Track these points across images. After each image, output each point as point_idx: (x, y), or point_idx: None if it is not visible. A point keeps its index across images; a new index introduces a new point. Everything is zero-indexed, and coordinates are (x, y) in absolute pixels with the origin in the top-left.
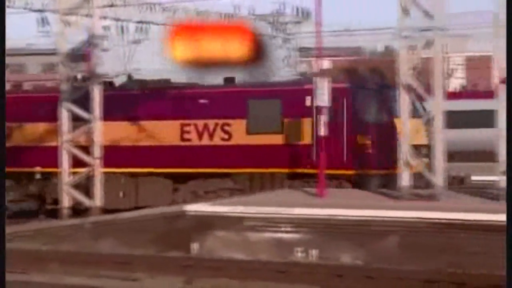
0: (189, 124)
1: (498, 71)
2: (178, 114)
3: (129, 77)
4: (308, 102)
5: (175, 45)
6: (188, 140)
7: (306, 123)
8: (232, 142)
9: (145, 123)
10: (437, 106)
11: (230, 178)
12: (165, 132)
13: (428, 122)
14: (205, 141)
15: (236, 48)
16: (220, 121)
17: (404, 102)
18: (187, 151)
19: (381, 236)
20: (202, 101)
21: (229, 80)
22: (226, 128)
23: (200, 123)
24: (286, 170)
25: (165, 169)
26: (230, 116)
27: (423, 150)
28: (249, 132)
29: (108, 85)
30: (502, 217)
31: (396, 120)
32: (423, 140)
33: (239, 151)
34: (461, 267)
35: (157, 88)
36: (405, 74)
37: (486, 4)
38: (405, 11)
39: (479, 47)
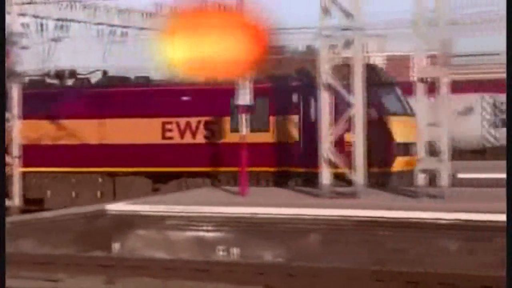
0: (171, 122)
1: (417, 70)
2: (160, 112)
3: (104, 73)
4: (295, 99)
5: (174, 42)
6: (170, 138)
7: (292, 120)
8: (215, 140)
9: (123, 121)
10: (359, 104)
11: (214, 177)
12: (146, 130)
13: (350, 120)
14: (188, 139)
15: (246, 48)
16: (203, 119)
17: (324, 101)
18: (169, 150)
19: (302, 234)
20: (185, 98)
21: None
22: (210, 126)
23: (183, 121)
24: (271, 169)
25: (145, 168)
26: (213, 113)
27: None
28: (233, 130)
29: (85, 82)
30: (420, 215)
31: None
32: (410, 138)
33: (223, 149)
34: (382, 264)
35: (136, 85)
36: (325, 73)
37: (405, 4)
38: (326, 11)
39: (398, 47)
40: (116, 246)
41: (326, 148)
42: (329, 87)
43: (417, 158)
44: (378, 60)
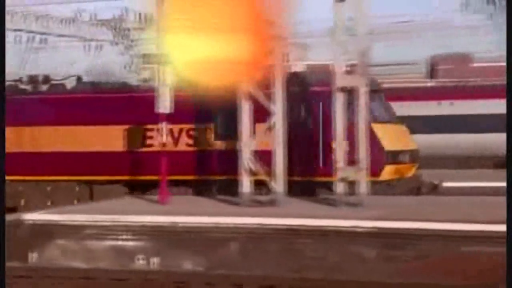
0: (152, 129)
1: (336, 79)
2: (140, 119)
3: (79, 79)
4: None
5: (179, 42)
6: (151, 146)
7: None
8: (198, 148)
9: (103, 128)
10: (279, 113)
11: (196, 186)
12: (126, 137)
13: (270, 128)
14: (169, 147)
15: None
16: (186, 126)
17: (245, 109)
18: (150, 158)
19: (222, 242)
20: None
21: None
22: (192, 133)
23: (166, 128)
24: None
25: (123, 176)
26: (195, 121)
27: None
28: (216, 137)
29: (60, 88)
30: (338, 223)
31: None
32: (407, 146)
33: (205, 157)
34: (301, 271)
35: (115, 91)
36: (246, 82)
37: (325, 13)
38: None
39: (319, 55)
40: (33, 256)
41: (246, 156)
42: (250, 96)
43: (407, 166)
44: (298, 68)
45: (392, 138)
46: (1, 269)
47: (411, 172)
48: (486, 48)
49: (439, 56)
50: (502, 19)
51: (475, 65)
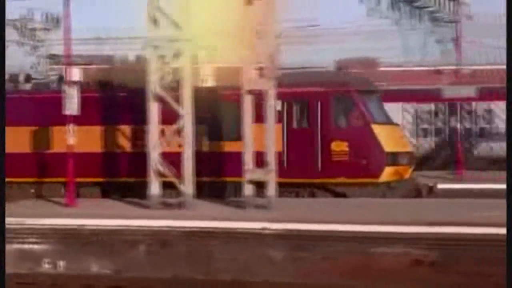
0: (142, 130)
1: (245, 82)
2: (132, 119)
3: (61, 78)
4: (278, 107)
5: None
6: (141, 146)
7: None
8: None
9: (90, 128)
10: (188, 115)
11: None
12: (114, 138)
13: (180, 131)
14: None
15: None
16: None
17: (153, 111)
18: (140, 159)
19: (130, 245)
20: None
21: None
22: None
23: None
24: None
25: (110, 178)
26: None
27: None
28: (209, 138)
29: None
30: (246, 225)
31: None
32: (404, 148)
33: (196, 159)
34: (209, 273)
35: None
36: (154, 84)
37: (234, 15)
38: (154, 21)
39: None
40: None
41: (154, 158)
42: (158, 98)
43: (405, 168)
44: (207, 71)
45: (391, 139)
46: (1, 269)
47: (408, 174)
48: (391, 53)
49: (345, 61)
50: (407, 24)
51: (381, 69)
